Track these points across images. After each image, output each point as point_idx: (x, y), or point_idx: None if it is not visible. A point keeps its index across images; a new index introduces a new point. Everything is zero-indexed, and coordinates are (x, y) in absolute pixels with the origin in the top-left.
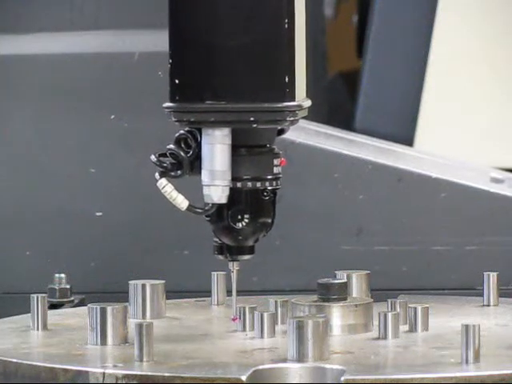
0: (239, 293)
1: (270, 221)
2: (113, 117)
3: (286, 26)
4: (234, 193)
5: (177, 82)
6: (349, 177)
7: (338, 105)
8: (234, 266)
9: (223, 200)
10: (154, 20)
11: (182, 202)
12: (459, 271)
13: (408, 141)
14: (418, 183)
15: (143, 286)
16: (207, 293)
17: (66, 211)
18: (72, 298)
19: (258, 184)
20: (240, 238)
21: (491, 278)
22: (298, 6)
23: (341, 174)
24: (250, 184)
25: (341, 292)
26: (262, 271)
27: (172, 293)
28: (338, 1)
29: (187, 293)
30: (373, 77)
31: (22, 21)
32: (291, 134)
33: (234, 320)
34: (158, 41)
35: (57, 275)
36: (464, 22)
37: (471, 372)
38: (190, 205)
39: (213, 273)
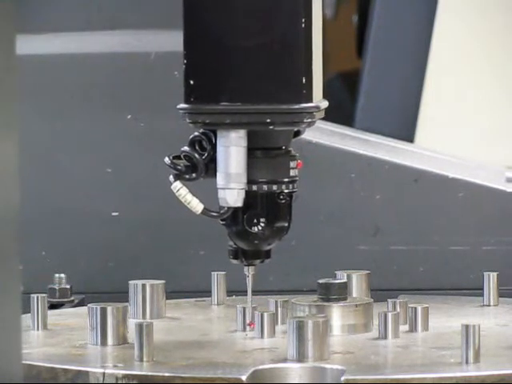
0: (256, 293)
1: (286, 225)
2: (129, 117)
3: (303, 25)
4: (249, 196)
5: (191, 82)
6: (365, 177)
7: (337, 105)
8: (249, 271)
9: (239, 203)
10: (170, 20)
11: (196, 206)
12: (477, 271)
13: (408, 141)
14: (434, 183)
15: (143, 286)
16: (207, 293)
17: (83, 211)
18: (72, 298)
19: (275, 187)
20: (256, 242)
21: (491, 278)
22: (315, 5)
23: (357, 174)
24: (265, 187)
25: (341, 292)
26: (279, 271)
27: (172, 293)
28: (338, 1)
29: (187, 293)
30: (373, 77)
31: (38, 21)
32: (307, 134)
33: (250, 325)
34: (174, 41)
35: (57, 275)
36: (464, 22)
37: (471, 372)
38: (204, 208)
39: (213, 273)
